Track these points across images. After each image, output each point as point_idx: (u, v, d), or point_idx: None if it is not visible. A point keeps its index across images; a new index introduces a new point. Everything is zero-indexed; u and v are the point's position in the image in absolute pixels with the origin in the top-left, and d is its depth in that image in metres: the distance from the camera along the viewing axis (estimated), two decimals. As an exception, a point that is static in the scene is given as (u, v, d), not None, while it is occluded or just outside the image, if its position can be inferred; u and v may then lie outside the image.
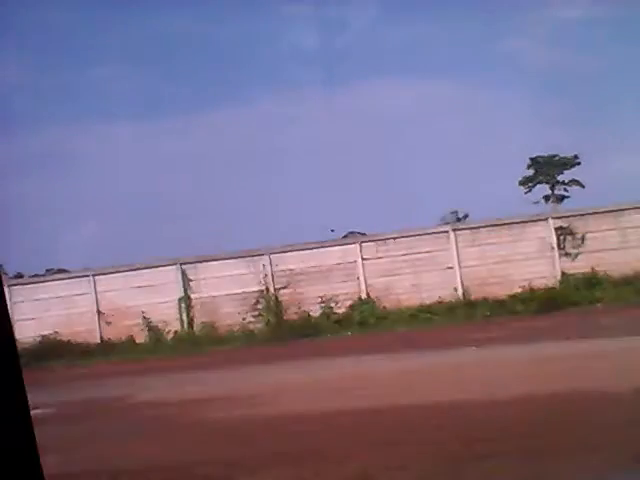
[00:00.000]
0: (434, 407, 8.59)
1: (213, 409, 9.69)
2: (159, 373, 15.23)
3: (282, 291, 22.34)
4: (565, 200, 42.99)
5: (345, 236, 25.24)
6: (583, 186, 41.53)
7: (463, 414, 8.02)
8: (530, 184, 43.55)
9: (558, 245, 21.07)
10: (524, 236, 21.31)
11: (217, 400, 10.35)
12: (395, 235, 21.95)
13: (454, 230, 21.57)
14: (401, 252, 21.75)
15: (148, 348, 22.11)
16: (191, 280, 22.92)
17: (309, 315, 21.58)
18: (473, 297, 20.99)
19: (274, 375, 12.98)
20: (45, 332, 22.78)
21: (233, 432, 8.07)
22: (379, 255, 21.98)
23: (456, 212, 32.72)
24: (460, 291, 21.20)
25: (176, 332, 22.66)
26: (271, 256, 22.51)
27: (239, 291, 22.54)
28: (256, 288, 22.48)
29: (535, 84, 39.51)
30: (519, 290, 20.70)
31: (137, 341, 22.70)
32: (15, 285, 23.54)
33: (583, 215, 21.27)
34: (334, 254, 22.22)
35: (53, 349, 22.39)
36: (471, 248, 21.36)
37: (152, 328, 22.63)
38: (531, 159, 42.02)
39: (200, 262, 22.93)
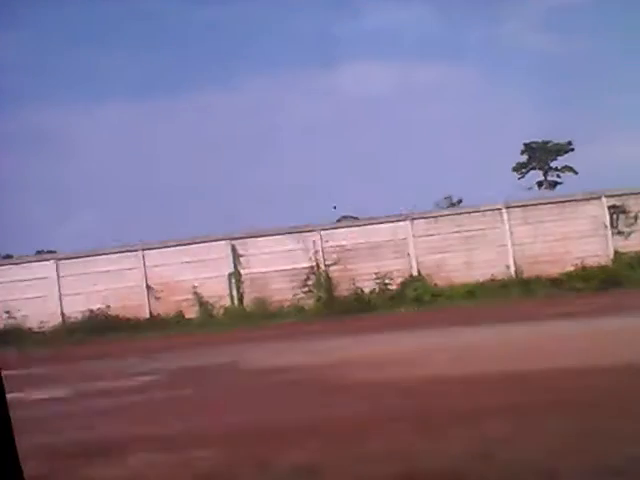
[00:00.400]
0: (553, 372, 8.67)
1: (339, 372, 9.84)
2: (240, 343, 15.46)
3: (332, 267, 22.50)
4: (558, 186, 43.25)
5: (338, 220, 25.42)
6: (576, 172, 41.83)
7: (584, 379, 8.04)
8: (523, 170, 43.85)
9: (611, 223, 21.25)
10: (577, 214, 21.48)
11: (335, 365, 10.52)
12: (447, 212, 22.11)
13: (507, 208, 21.72)
14: (453, 230, 21.92)
15: (199, 323, 22.27)
16: (241, 256, 23.06)
17: (362, 291, 21.73)
18: (525, 275, 21.18)
19: (363, 345, 13.18)
20: (93, 307, 22.91)
21: (389, 391, 8.19)
22: (430, 232, 22.14)
23: (450, 197, 32.81)
24: (512, 269, 21.38)
25: (226, 307, 22.82)
26: (322, 232, 22.67)
27: (289, 267, 22.68)
28: (306, 264, 22.62)
29: (531, 69, 39.71)
30: (572, 268, 20.89)
31: (187, 316, 22.85)
32: (63, 260, 23.69)
33: (636, 194, 21.44)
34: (385, 231, 22.38)
35: (102, 324, 22.52)
36: (524, 226, 21.53)
37: (203, 303, 22.78)
38: (525, 145, 42.28)
39: (250, 238, 23.07)
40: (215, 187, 34.60)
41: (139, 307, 23.15)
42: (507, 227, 21.52)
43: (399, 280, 21.94)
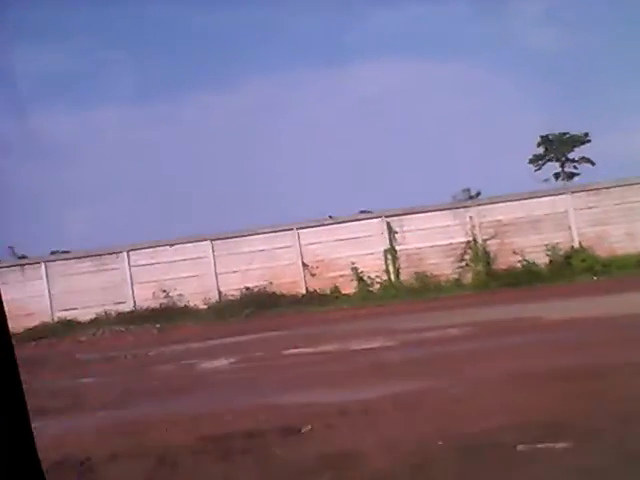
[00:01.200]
0: None
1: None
2: (459, 309, 15.84)
3: (490, 242, 22.87)
4: (575, 177, 43.27)
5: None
6: (593, 163, 41.88)
7: None
8: (540, 162, 44.00)
9: None
10: None
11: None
12: (608, 185, 22.40)
13: (672, 180, 22.01)
14: (614, 202, 22.21)
15: (360, 297, 22.72)
16: (396, 232, 23.48)
17: (528, 263, 22.05)
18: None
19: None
20: (249, 284, 23.43)
21: None
22: (590, 205, 22.44)
23: (468, 190, 33.07)
24: (678, 239, 21.65)
25: (384, 282, 23.23)
26: (478, 208, 23.04)
27: (445, 243, 23.08)
28: (462, 239, 23.01)
29: (542, 64, 39.97)
30: None
31: (343, 291, 23.30)
32: (216, 240, 24.19)
33: None
34: (543, 205, 22.70)
35: (260, 299, 23.03)
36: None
37: (361, 279, 23.22)
38: (541, 137, 42.35)
39: (405, 214, 23.48)
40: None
41: (294, 284, 23.65)
42: (671, 198, 21.80)
43: (561, 252, 22.27)
